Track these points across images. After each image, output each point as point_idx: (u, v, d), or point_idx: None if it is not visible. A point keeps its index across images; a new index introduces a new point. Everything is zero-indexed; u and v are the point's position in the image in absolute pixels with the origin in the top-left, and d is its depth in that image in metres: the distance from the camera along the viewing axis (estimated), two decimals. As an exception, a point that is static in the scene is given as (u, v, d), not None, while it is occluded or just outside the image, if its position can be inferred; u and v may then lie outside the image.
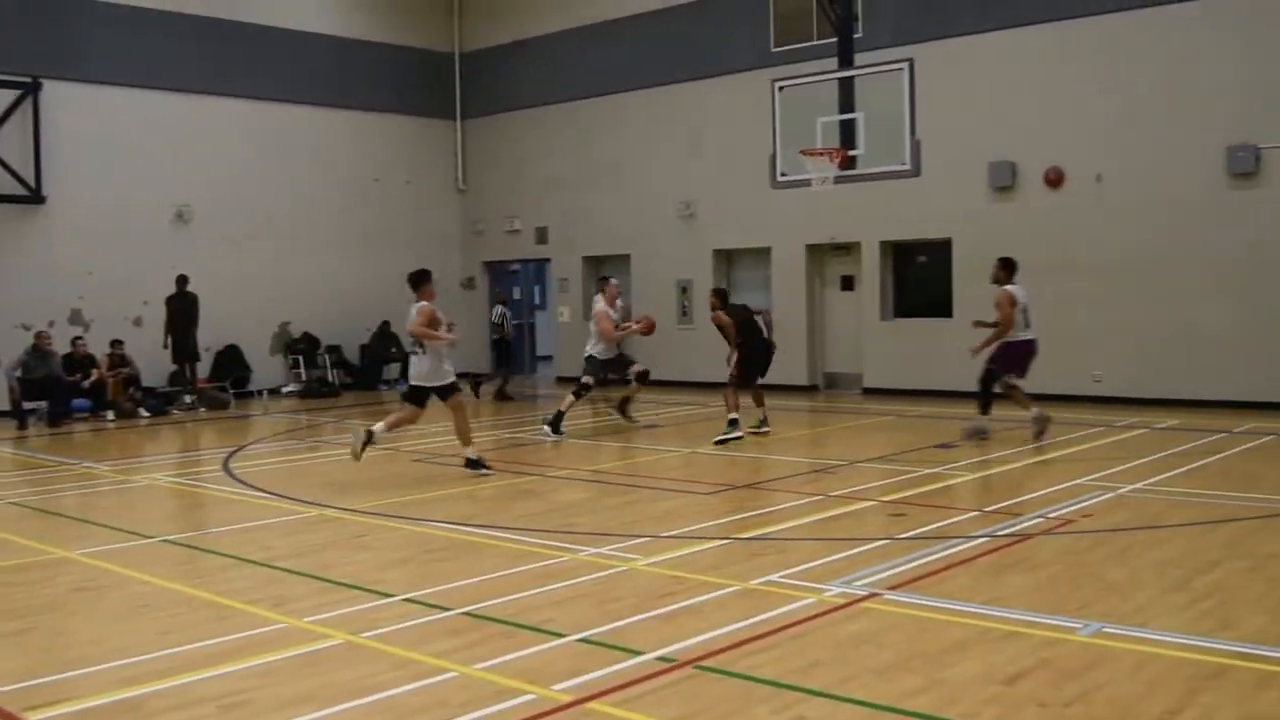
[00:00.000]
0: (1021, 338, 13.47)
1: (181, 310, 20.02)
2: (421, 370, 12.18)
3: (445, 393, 12.30)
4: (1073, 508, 9.49)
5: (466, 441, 12.29)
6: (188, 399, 20.23)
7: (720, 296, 15.04)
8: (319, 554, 8.56)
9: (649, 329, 16.15)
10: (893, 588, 7.11)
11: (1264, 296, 16.27)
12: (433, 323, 12.01)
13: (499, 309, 21.72)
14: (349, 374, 23.99)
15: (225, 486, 11.91)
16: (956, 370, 17.93)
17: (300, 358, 23.26)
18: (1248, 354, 16.36)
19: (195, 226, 21.87)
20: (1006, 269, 13.61)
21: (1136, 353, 17.20)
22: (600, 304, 16.02)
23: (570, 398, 15.55)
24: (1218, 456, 12.26)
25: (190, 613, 7.01)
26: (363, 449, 11.93)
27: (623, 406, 16.15)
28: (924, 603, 6.76)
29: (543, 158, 24.91)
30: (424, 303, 12.19)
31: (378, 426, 12.12)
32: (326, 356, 23.60)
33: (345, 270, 23.98)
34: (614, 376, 15.97)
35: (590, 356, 15.76)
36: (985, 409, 13.62)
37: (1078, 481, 10.76)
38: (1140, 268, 17.17)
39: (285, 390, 22.86)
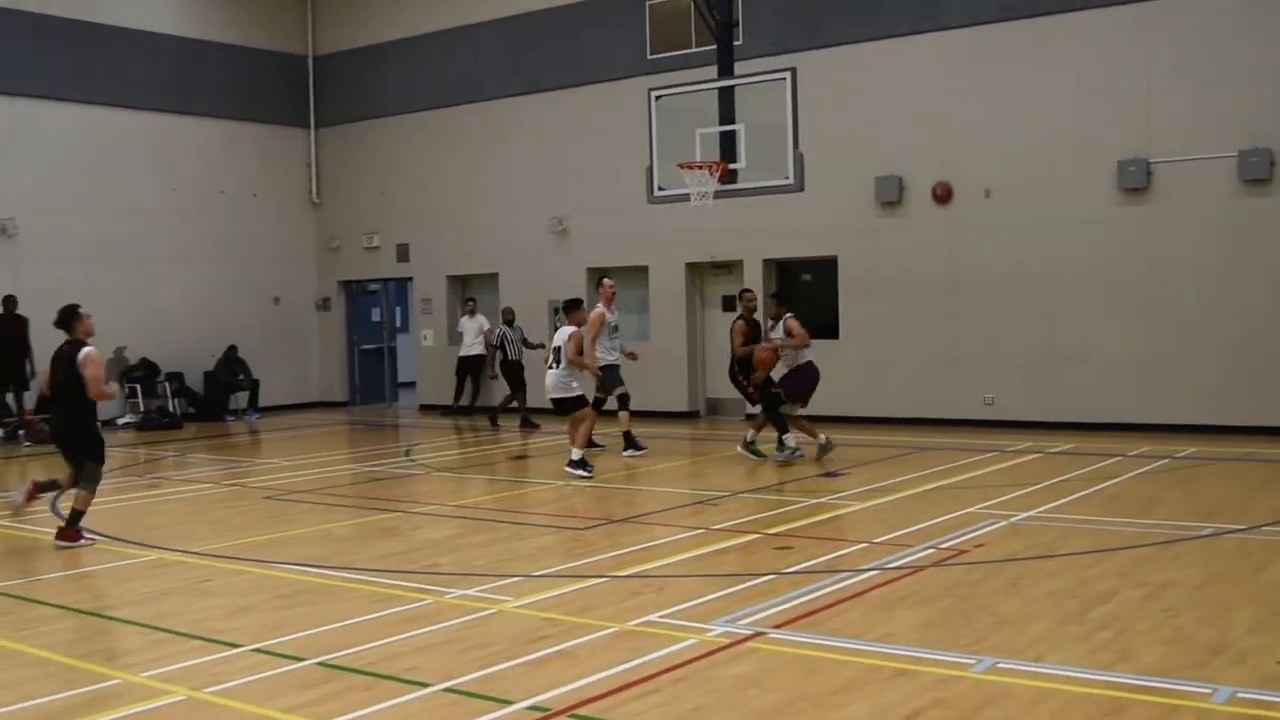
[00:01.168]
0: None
1: (9, 335, 19.38)
2: (550, 383, 14.16)
3: (571, 406, 14.15)
4: (964, 538, 9.67)
5: (579, 445, 13.96)
6: (19, 432, 19.58)
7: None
8: (157, 602, 8.32)
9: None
10: (779, 626, 7.15)
11: (1158, 315, 16.78)
12: (581, 348, 14.17)
13: (501, 330, 20.40)
14: (192, 404, 23.45)
15: (52, 529, 11.52)
16: (846, 394, 18.22)
17: (138, 386, 22.68)
18: (1143, 375, 16.85)
19: (20, 242, 21.21)
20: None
21: (1029, 374, 17.60)
22: (598, 308, 15.78)
23: (624, 414, 15.84)
24: (1112, 481, 12.59)
25: (12, 670, 6.75)
26: (584, 469, 13.71)
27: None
28: (812, 641, 6.80)
29: (404, 169, 24.71)
30: (573, 328, 14.26)
31: (575, 449, 13.83)
32: (167, 385, 23.03)
33: (188, 290, 23.47)
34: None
35: (606, 368, 15.72)
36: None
37: (969, 510, 10.97)
38: (1031, 285, 17.59)
39: (121, 422, 22.25)
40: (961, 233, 18.15)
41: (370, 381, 26.28)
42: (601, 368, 15.50)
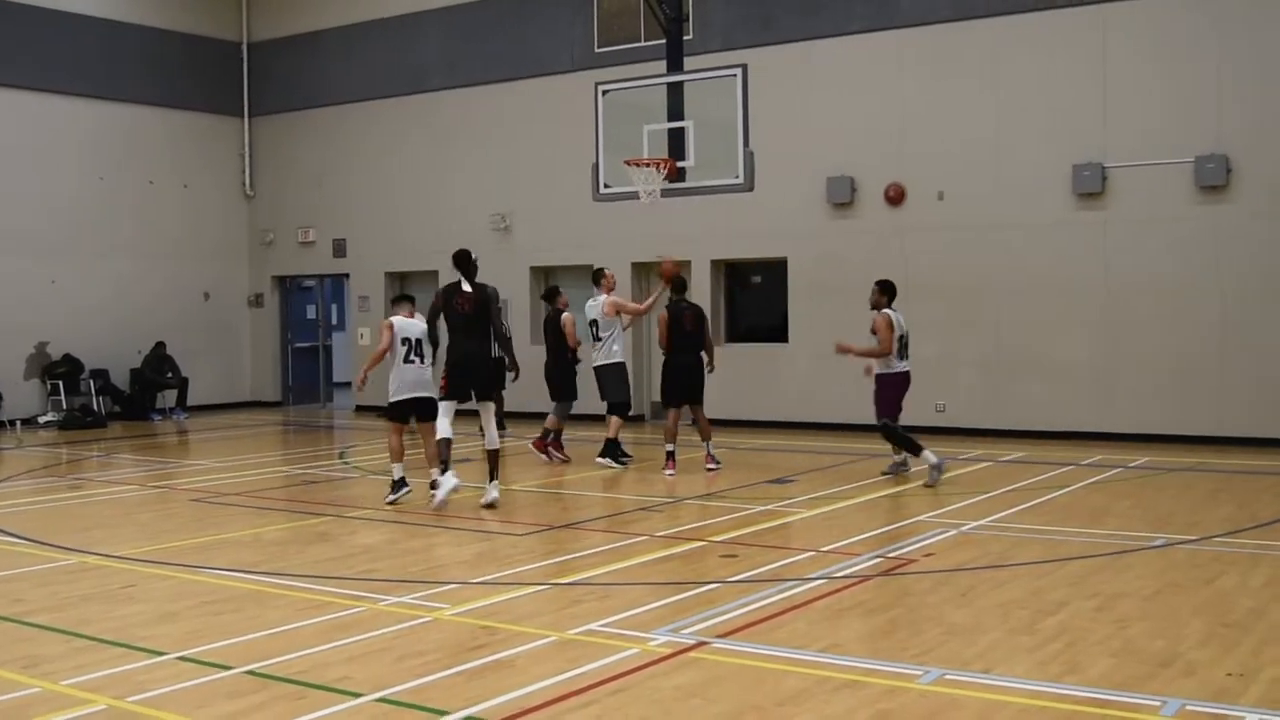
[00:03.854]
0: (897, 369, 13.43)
1: None
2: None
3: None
4: (913, 546, 9.73)
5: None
6: None
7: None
8: (79, 607, 8.21)
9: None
10: (723, 635, 7.17)
11: (1112, 322, 16.97)
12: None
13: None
14: (117, 402, 23.21)
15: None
16: (794, 399, 18.31)
17: (60, 383, 22.41)
18: (1096, 382, 17.05)
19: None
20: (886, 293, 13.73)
21: (981, 381, 17.77)
22: (601, 297, 15.43)
23: (615, 421, 15.25)
24: (1064, 490, 12.72)
25: (-77, 677, 6.66)
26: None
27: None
28: (757, 651, 6.82)
29: (341, 162, 24.58)
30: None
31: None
32: (91, 382, 22.78)
33: (114, 284, 23.22)
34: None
35: (611, 365, 15.34)
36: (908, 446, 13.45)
37: (919, 518, 11.05)
38: (984, 290, 17.75)
39: (43, 420, 21.98)
40: (914, 236, 18.28)
41: (304, 381, 26.10)
42: (608, 366, 15.37)
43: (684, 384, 14.63)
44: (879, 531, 10.46)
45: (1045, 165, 17.33)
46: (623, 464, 15.04)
